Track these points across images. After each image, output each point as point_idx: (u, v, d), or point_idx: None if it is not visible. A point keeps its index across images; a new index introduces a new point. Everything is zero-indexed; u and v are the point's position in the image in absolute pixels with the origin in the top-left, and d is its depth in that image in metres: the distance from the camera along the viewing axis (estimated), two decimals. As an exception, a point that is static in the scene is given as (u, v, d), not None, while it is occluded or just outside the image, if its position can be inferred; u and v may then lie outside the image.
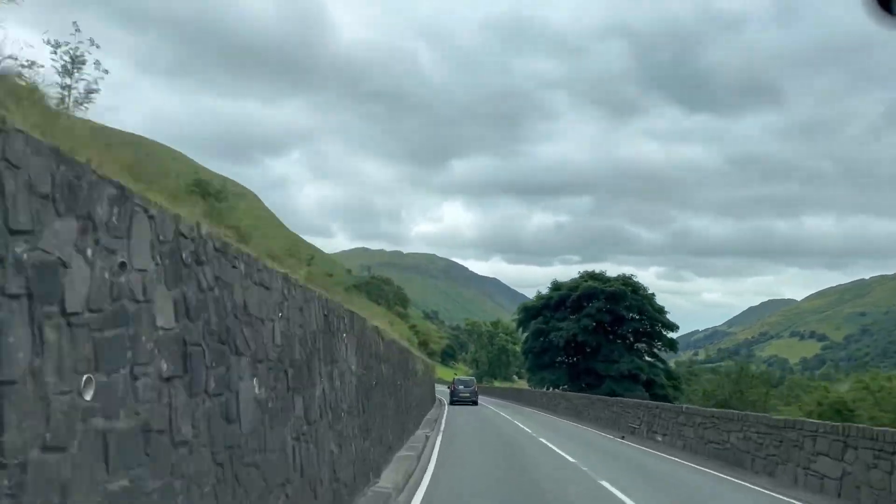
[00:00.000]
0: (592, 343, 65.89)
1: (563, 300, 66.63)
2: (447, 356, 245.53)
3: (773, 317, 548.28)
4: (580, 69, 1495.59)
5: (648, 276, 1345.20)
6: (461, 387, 55.87)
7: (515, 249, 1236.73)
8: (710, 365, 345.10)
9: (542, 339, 67.71)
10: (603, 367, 64.28)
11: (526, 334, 70.77)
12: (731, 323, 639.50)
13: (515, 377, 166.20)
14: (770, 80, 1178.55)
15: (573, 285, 67.13)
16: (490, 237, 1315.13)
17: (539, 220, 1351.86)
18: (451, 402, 53.80)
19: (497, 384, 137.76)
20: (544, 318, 68.08)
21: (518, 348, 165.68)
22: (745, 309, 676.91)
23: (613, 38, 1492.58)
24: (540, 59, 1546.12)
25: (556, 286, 69.39)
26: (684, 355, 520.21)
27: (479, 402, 56.42)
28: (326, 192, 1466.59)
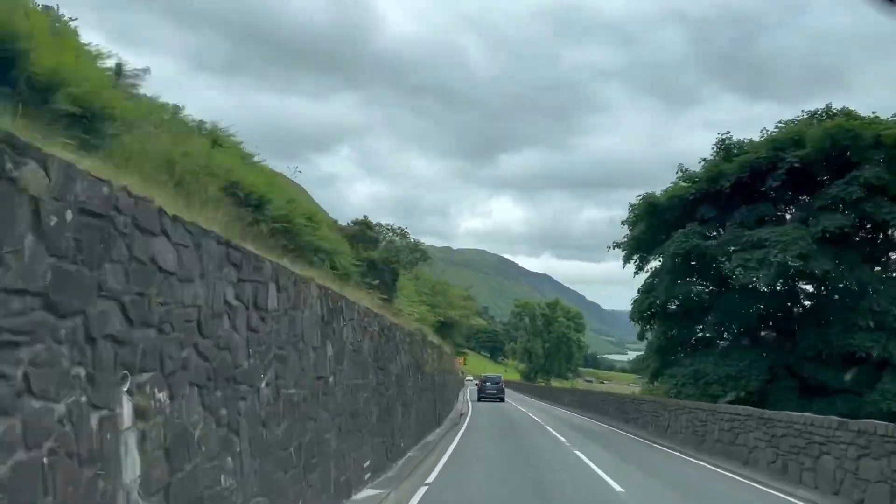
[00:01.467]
0: (838, 280, 25.16)
1: (753, 178, 25.92)
2: (495, 351, 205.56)
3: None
4: (634, 59, 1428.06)
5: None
6: (488, 384, 52.34)
7: (566, 245, 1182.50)
8: None
9: (693, 278, 27.08)
10: (868, 341, 23.51)
11: (647, 272, 30.48)
12: None
13: (570, 374, 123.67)
14: (837, 66, 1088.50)
15: (776, 141, 25.99)
16: (540, 233, 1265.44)
17: (590, 214, 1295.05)
18: (479, 399, 50.02)
19: (555, 384, 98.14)
20: (702, 227, 27.40)
21: (582, 337, 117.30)
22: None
23: (670, 25, 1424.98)
24: (592, 49, 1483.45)
25: (730, 150, 27.84)
26: None
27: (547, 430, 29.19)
28: (375, 189, 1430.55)
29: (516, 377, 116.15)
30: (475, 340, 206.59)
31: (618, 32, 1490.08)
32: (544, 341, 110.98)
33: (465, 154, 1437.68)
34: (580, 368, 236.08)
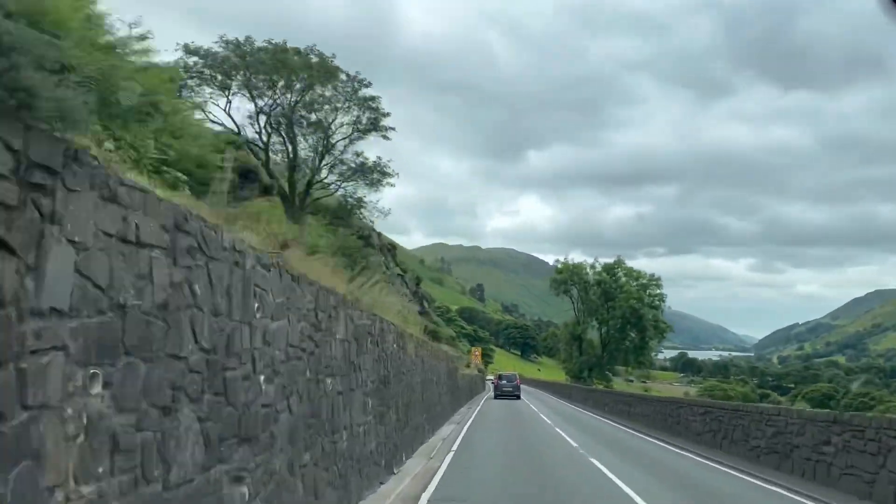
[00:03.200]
0: None
1: None
2: (527, 348, 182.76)
3: (886, 307, 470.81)
4: (664, 49, 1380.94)
5: (739, 269, 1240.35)
6: (504, 381, 54.58)
7: (595, 243, 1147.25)
8: (821, 359, 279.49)
9: None
10: None
11: None
12: (834, 315, 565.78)
13: (618, 370, 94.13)
14: (876, 51, 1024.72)
15: None
16: (569, 231, 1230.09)
17: (620, 211, 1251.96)
18: (496, 396, 52.67)
19: (627, 386, 75.32)
20: None
21: (660, 315, 76.04)
22: (848, 301, 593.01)
23: (700, 11, 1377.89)
24: (619, 40, 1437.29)
25: None
26: (788, 350, 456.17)
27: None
28: (401, 190, 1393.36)
29: (560, 377, 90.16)
30: (504, 337, 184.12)
31: (645, 21, 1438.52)
32: (601, 322, 77.65)
33: (492, 152, 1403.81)
34: (618, 367, 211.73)
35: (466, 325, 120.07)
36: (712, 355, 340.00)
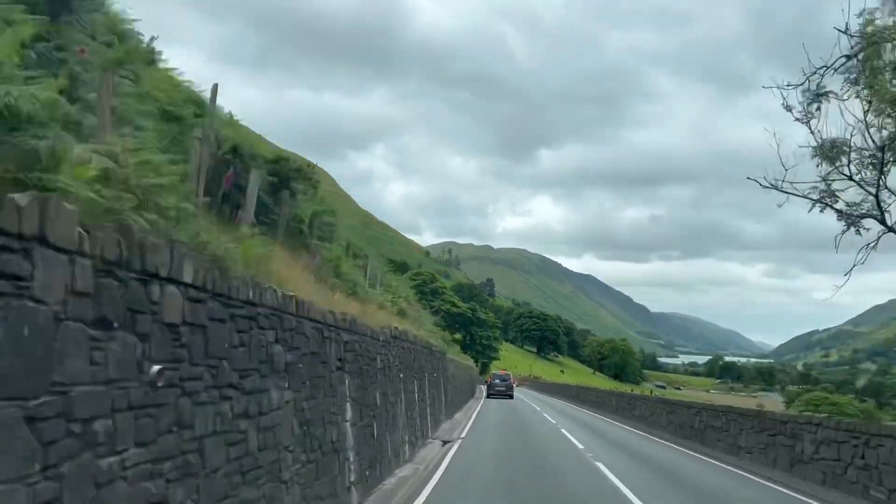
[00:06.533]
0: None
1: None
2: (546, 345, 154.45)
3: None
4: (686, 42, 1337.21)
5: (754, 274, 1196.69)
6: (497, 381, 55.06)
7: (609, 245, 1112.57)
8: (844, 367, 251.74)
9: None
10: None
11: None
12: (855, 322, 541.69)
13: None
14: None
15: None
16: (581, 232, 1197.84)
17: (634, 213, 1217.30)
18: (488, 396, 52.51)
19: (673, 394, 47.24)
20: None
21: None
22: (869, 307, 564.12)
23: (725, 1, 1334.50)
24: (639, 32, 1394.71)
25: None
26: (814, 356, 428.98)
27: None
28: (411, 188, 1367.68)
29: (590, 381, 60.88)
30: (515, 330, 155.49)
31: (666, 12, 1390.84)
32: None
33: (504, 151, 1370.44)
34: (645, 371, 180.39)
35: (461, 303, 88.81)
36: (729, 360, 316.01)
